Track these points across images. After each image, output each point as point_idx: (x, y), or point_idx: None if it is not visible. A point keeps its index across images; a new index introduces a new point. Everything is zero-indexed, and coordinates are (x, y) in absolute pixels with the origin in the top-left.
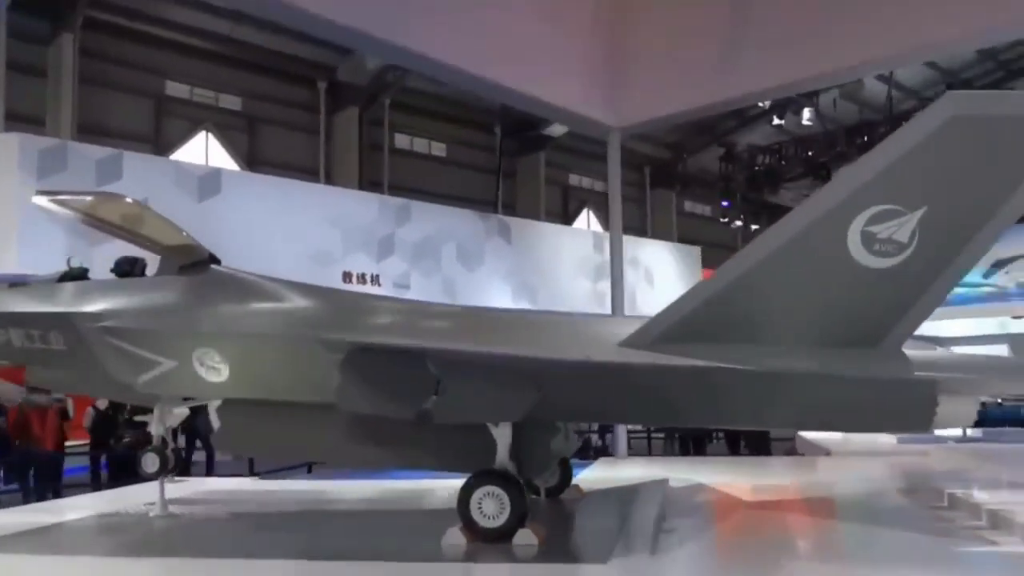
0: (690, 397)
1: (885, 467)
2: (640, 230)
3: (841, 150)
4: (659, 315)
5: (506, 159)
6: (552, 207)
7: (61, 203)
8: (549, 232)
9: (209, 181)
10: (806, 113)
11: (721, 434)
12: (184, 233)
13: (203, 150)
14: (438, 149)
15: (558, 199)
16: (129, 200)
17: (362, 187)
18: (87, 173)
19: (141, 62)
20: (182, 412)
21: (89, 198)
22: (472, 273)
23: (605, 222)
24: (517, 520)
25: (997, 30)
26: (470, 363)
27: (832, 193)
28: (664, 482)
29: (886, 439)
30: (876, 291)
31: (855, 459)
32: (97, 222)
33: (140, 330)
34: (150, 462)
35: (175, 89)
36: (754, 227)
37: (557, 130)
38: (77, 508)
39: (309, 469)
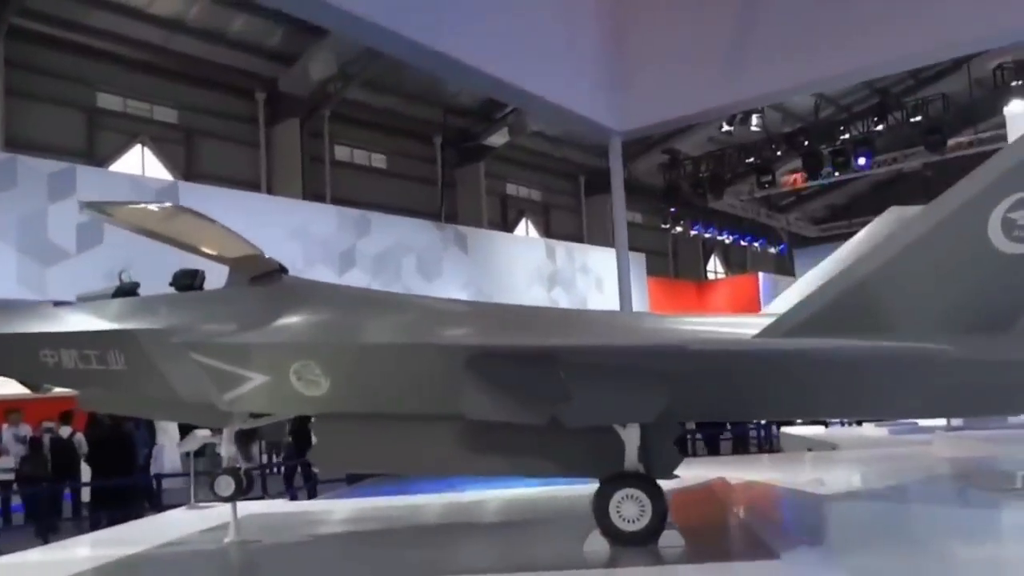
0: (830, 387)
1: (921, 458)
2: (576, 237)
3: (782, 155)
4: (793, 308)
5: (446, 170)
6: (492, 216)
7: (112, 214)
8: (503, 241)
9: (166, 195)
10: (754, 119)
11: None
12: (250, 243)
13: (139, 164)
14: (378, 161)
15: (497, 208)
16: (189, 210)
17: (305, 199)
18: (38, 187)
19: (71, 73)
20: (204, 435)
21: (144, 209)
22: (431, 284)
23: (544, 230)
24: (659, 521)
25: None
26: (603, 362)
27: (975, 181)
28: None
29: (876, 431)
30: (1012, 276)
31: (871, 451)
32: (153, 234)
33: (228, 344)
34: (224, 484)
35: (107, 101)
36: (692, 233)
37: (497, 140)
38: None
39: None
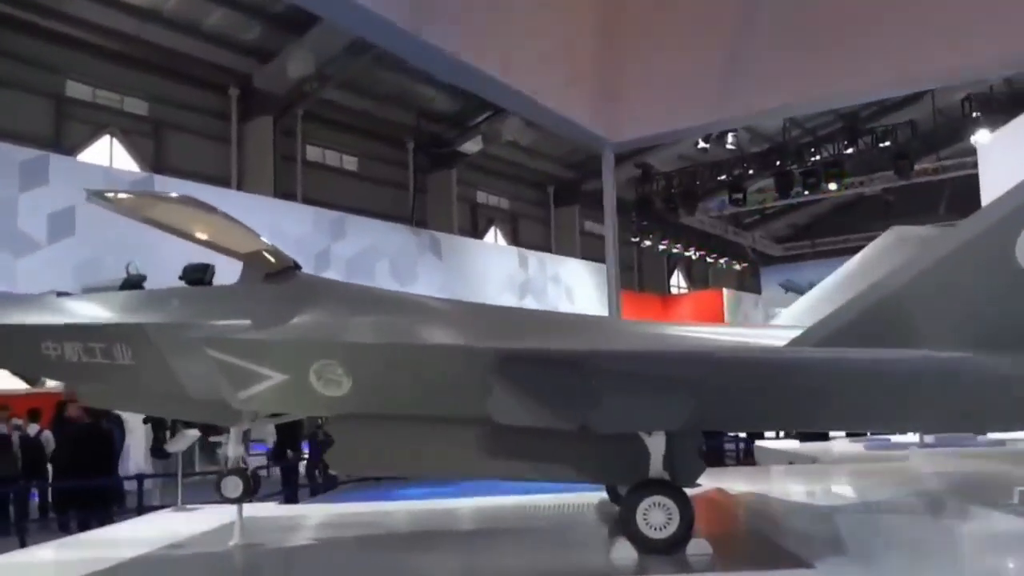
0: (859, 399)
1: (907, 472)
2: (544, 247)
3: (753, 173)
4: (821, 322)
5: (419, 175)
6: (461, 223)
7: (118, 203)
8: (476, 249)
9: (140, 187)
10: (730, 137)
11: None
12: (264, 238)
13: (107, 155)
14: (350, 163)
15: (467, 215)
16: (200, 202)
17: (276, 198)
18: (10, 175)
19: (40, 60)
20: (193, 434)
21: (153, 199)
22: (405, 288)
23: (512, 239)
24: (686, 529)
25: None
26: (636, 369)
27: (1003, 204)
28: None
29: (850, 446)
30: None
31: (854, 466)
32: (162, 225)
33: (246, 341)
34: (232, 486)
35: (76, 90)
36: (661, 246)
37: (470, 147)
38: (120, 544)
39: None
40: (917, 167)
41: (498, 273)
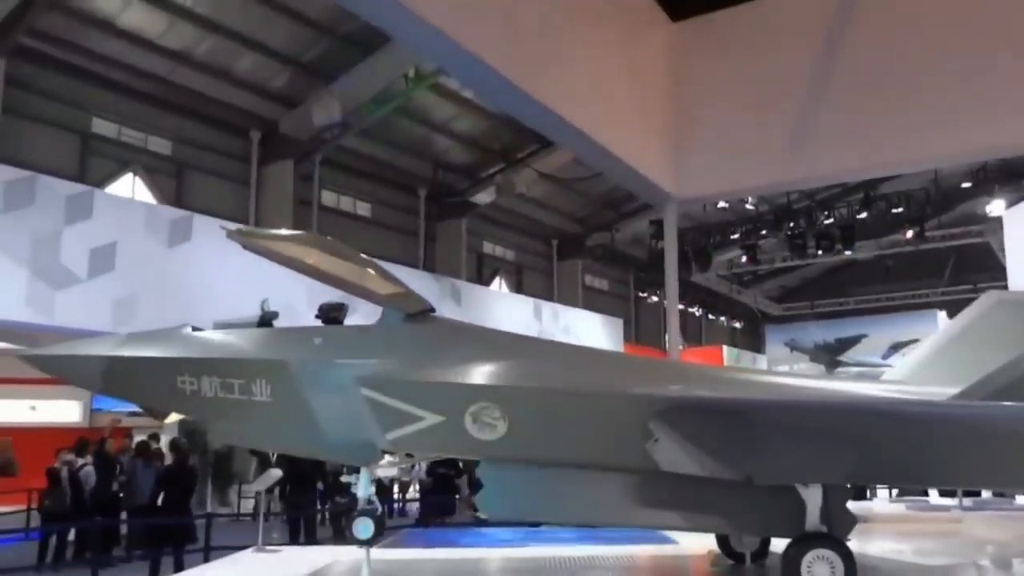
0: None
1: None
2: (547, 298)
3: (765, 233)
4: (997, 372)
5: (428, 223)
6: (468, 272)
7: (258, 242)
8: (493, 297)
9: (181, 226)
10: (750, 198)
11: None
12: (398, 279)
13: (130, 192)
14: (363, 208)
15: (474, 264)
16: (340, 244)
17: None
18: (55, 209)
19: (69, 96)
20: (277, 474)
21: (294, 241)
22: None
23: (516, 289)
24: None
25: None
26: (800, 421)
27: None
28: None
29: (890, 506)
30: None
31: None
32: (302, 266)
33: (405, 381)
34: (363, 527)
35: (102, 127)
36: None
37: (483, 198)
38: None
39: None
40: (910, 234)
41: (513, 322)
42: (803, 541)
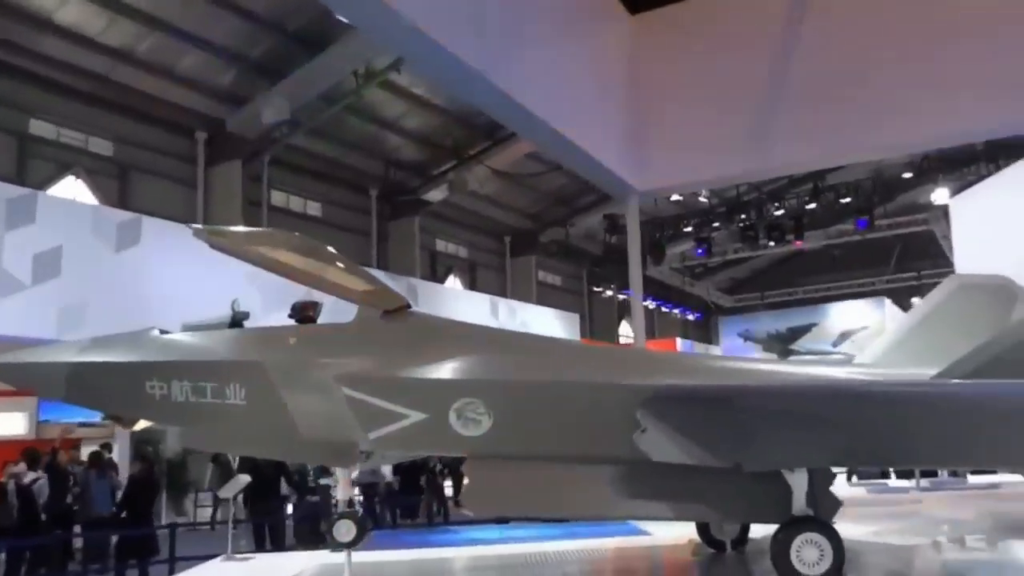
0: (1009, 433)
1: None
2: (500, 295)
3: (718, 226)
4: (973, 352)
5: (380, 222)
6: (422, 270)
7: (227, 241)
8: (449, 295)
9: (129, 229)
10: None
11: None
12: (374, 276)
13: (71, 195)
14: (313, 208)
15: (427, 263)
16: (313, 242)
17: None
18: None
19: (5, 96)
20: (245, 479)
21: (264, 239)
22: None
23: (469, 286)
24: (838, 566)
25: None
26: (786, 404)
27: None
28: None
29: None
30: None
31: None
32: (274, 264)
33: (387, 379)
34: (344, 530)
35: (41, 128)
36: (621, 296)
37: (435, 196)
38: None
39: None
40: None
41: (470, 319)
42: (791, 526)
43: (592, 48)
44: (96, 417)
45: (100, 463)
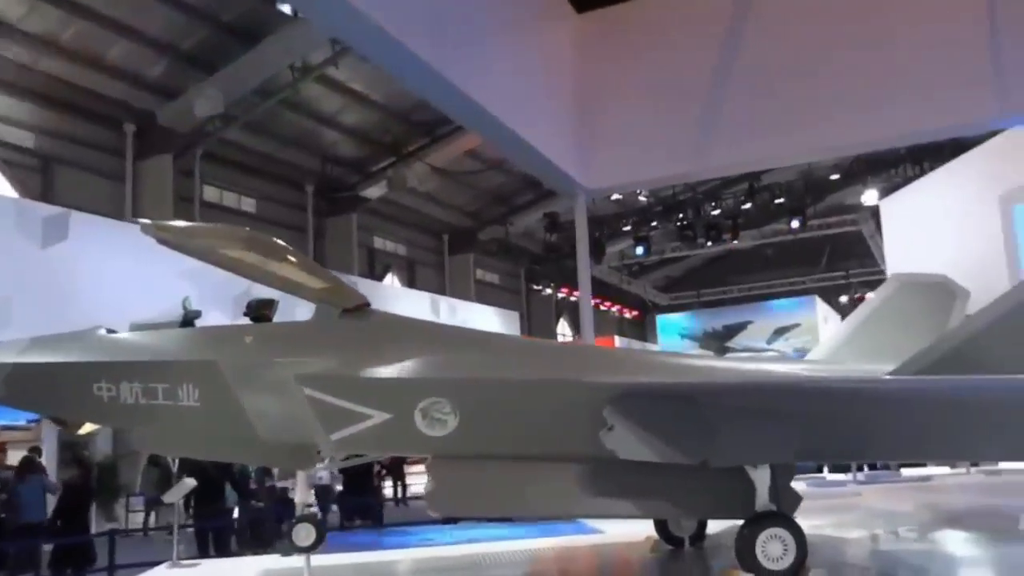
0: (963, 427)
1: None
2: (439, 292)
3: (656, 224)
4: (916, 355)
5: (317, 218)
6: (359, 268)
7: (177, 237)
8: (389, 293)
9: (56, 224)
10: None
11: None
12: (332, 274)
13: None
14: (248, 204)
15: (365, 261)
16: (270, 239)
17: None
18: None
19: None
20: (191, 483)
21: (218, 235)
22: None
23: (408, 284)
24: (801, 560)
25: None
26: (752, 401)
27: None
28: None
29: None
30: None
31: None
32: (228, 262)
33: (350, 379)
34: (304, 534)
35: None
36: (560, 294)
37: (374, 193)
38: None
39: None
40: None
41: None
42: (756, 521)
43: (541, 45)
44: (22, 419)
45: (31, 468)
